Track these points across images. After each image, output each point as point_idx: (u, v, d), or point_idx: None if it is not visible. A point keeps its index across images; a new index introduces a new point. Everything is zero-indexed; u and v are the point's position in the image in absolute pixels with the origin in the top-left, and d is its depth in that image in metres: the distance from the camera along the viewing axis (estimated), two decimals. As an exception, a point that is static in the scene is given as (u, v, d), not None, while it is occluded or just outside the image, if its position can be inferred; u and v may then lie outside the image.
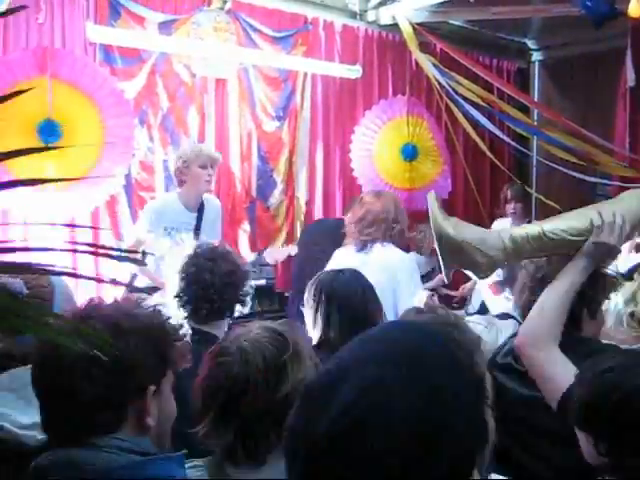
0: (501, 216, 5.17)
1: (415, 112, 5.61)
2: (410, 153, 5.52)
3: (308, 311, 2.35)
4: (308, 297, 2.36)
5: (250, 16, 4.97)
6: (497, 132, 5.58)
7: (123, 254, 1.02)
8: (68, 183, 3.86)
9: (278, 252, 4.09)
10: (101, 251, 1.13)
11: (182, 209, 3.89)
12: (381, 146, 5.50)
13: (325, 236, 4.45)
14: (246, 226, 5.05)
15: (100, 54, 4.40)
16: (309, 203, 5.34)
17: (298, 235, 5.08)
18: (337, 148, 5.47)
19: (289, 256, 4.07)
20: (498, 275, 3.25)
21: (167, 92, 4.66)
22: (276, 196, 5.18)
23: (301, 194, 5.31)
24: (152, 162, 4.60)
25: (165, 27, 4.62)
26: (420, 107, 5.70)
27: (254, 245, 5.02)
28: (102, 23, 4.36)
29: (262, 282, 4.61)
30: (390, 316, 2.75)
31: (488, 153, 5.68)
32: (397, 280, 3.13)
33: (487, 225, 4.41)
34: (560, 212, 5.12)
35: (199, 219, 3.89)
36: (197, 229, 3.85)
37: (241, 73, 4.97)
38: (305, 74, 5.28)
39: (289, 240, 5.01)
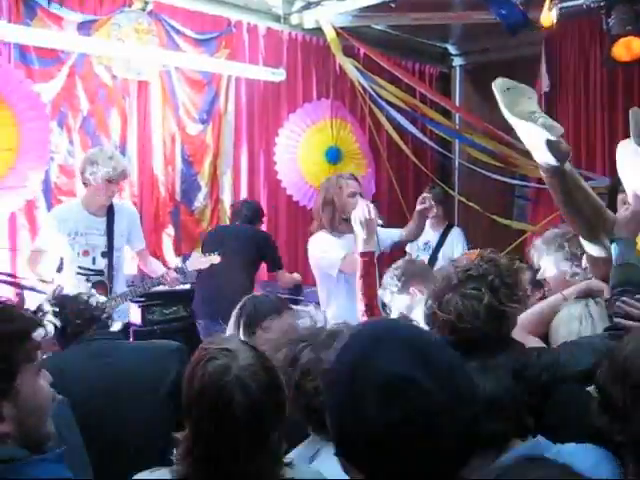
0: None
1: (339, 115, 5.66)
2: (334, 156, 5.57)
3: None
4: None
5: (172, 18, 4.92)
6: (420, 135, 5.70)
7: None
8: (-19, 188, 3.74)
9: (200, 261, 4.03)
10: None
11: (86, 214, 3.76)
12: (305, 149, 5.53)
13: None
14: (170, 230, 5.00)
15: (15, 54, 4.27)
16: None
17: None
18: (262, 151, 5.47)
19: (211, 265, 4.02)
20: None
21: (87, 94, 4.57)
22: (200, 200, 5.15)
23: (226, 197, 5.29)
24: (72, 166, 4.49)
25: (84, 28, 4.52)
26: (344, 110, 5.76)
27: (179, 249, 4.98)
28: (17, 22, 4.24)
29: (187, 286, 4.57)
30: None
31: (411, 156, 5.79)
32: None
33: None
34: (481, 214, 5.34)
35: (109, 223, 3.80)
36: (109, 234, 3.77)
37: (164, 75, 4.91)
38: (229, 77, 5.26)
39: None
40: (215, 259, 3.99)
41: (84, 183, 3.79)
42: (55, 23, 4.41)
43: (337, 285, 3.49)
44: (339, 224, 3.56)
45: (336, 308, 3.42)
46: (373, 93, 5.47)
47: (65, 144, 4.49)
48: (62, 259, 3.76)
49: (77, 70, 4.51)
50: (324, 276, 3.56)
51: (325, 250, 3.52)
